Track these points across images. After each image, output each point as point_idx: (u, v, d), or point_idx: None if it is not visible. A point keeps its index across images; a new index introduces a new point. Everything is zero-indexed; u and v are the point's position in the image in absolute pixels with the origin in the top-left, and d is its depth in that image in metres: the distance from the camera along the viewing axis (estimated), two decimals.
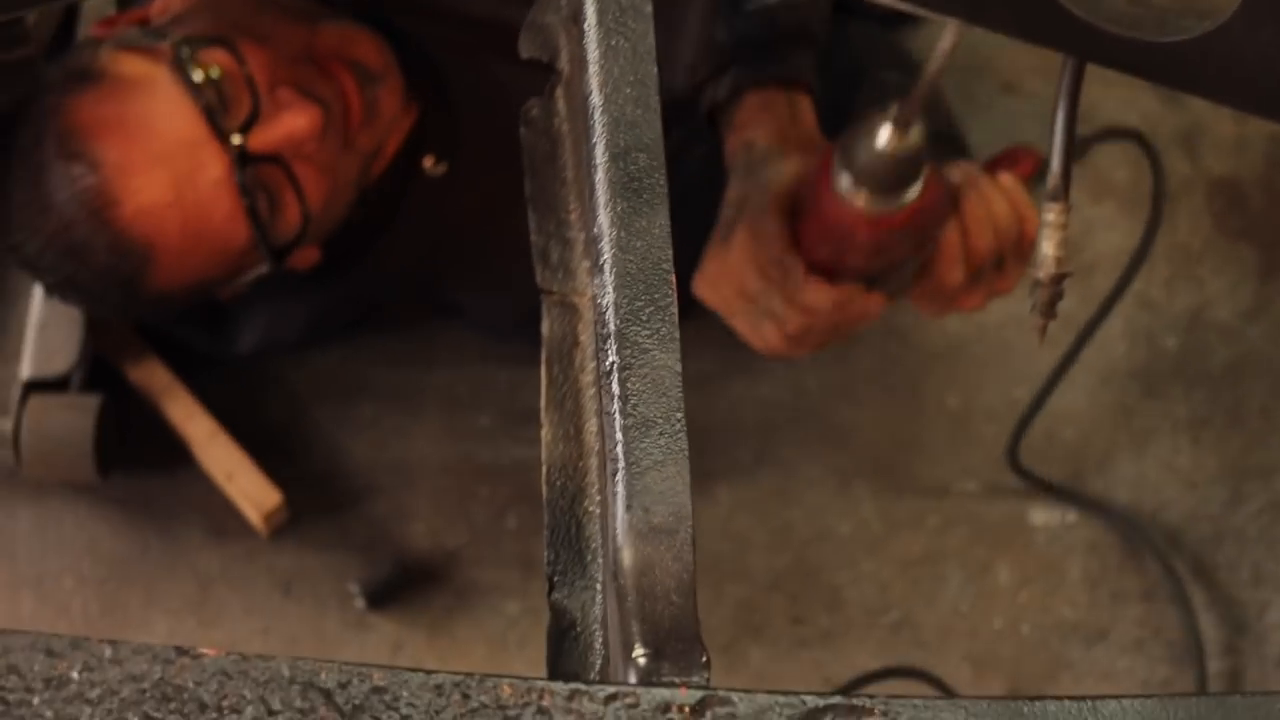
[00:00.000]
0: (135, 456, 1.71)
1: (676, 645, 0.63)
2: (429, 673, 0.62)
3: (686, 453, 0.69)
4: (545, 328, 0.95)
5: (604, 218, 0.74)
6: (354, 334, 1.80)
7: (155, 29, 1.48)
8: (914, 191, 1.26)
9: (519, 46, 1.10)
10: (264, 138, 1.42)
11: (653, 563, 0.66)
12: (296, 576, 1.67)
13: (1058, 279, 1.10)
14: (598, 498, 0.92)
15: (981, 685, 1.64)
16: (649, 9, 0.80)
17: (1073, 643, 1.67)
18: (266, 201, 1.44)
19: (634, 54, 0.78)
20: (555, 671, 0.85)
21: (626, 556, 0.66)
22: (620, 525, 0.67)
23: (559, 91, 1.02)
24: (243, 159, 1.41)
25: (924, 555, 1.69)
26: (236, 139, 1.41)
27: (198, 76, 1.40)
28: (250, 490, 1.66)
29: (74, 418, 1.64)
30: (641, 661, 0.62)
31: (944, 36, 1.08)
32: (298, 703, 0.58)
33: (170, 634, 1.64)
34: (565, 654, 0.87)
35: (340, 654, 1.62)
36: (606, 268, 0.72)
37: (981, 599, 1.69)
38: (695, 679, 0.61)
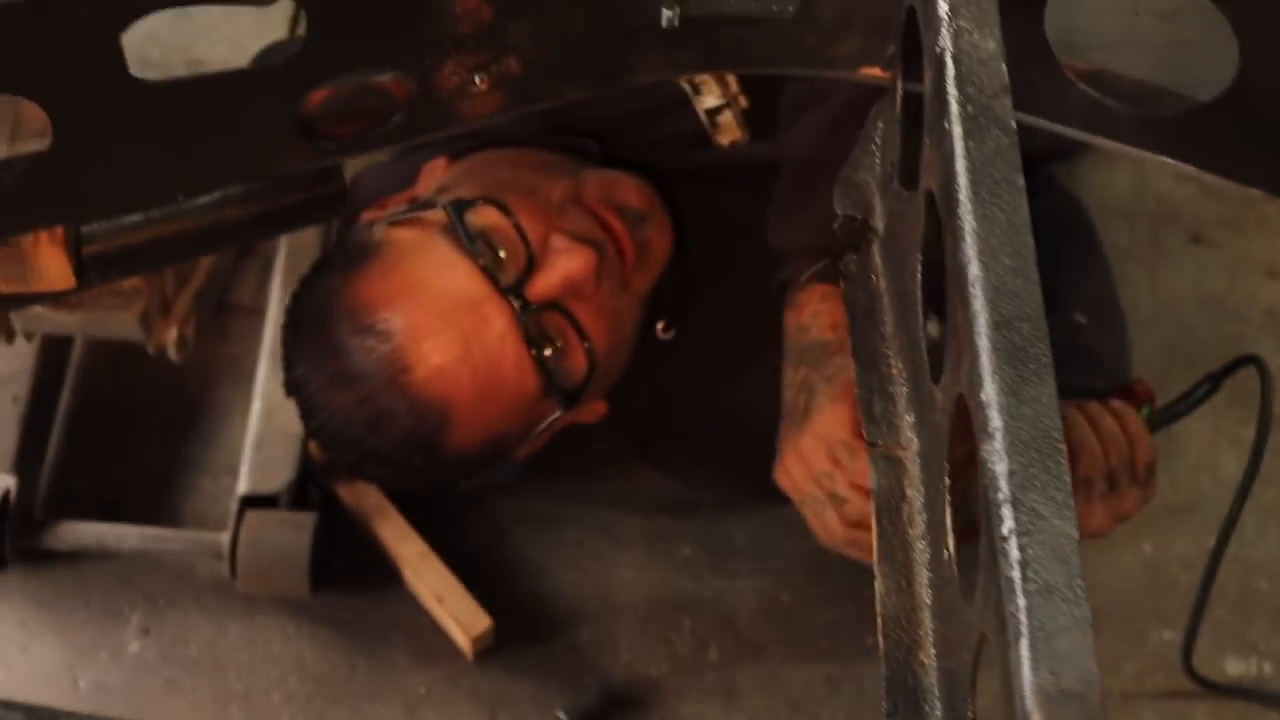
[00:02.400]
0: (342, 575, 1.74)
1: None
2: None
3: (1090, 620, 0.71)
4: (873, 481, 0.97)
5: (991, 385, 0.76)
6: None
7: (424, 202, 1.53)
8: None
9: (834, 201, 1.13)
10: (542, 286, 1.46)
11: None
12: (502, 701, 1.69)
13: None
14: (933, 651, 0.94)
15: None
16: (1021, 182, 0.82)
17: None
18: (552, 348, 1.47)
19: (1010, 226, 0.80)
20: None
21: None
22: (1028, 689, 0.68)
23: (875, 248, 1.06)
24: (524, 308, 1.45)
25: (1123, 695, 1.69)
26: (515, 291, 1.45)
27: (471, 236, 1.45)
28: (460, 613, 1.69)
29: (290, 533, 1.68)
30: None
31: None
32: None
33: None
34: None
35: None
36: (998, 435, 0.74)
37: None
38: None
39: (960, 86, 0.86)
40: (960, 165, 0.84)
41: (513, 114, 1.03)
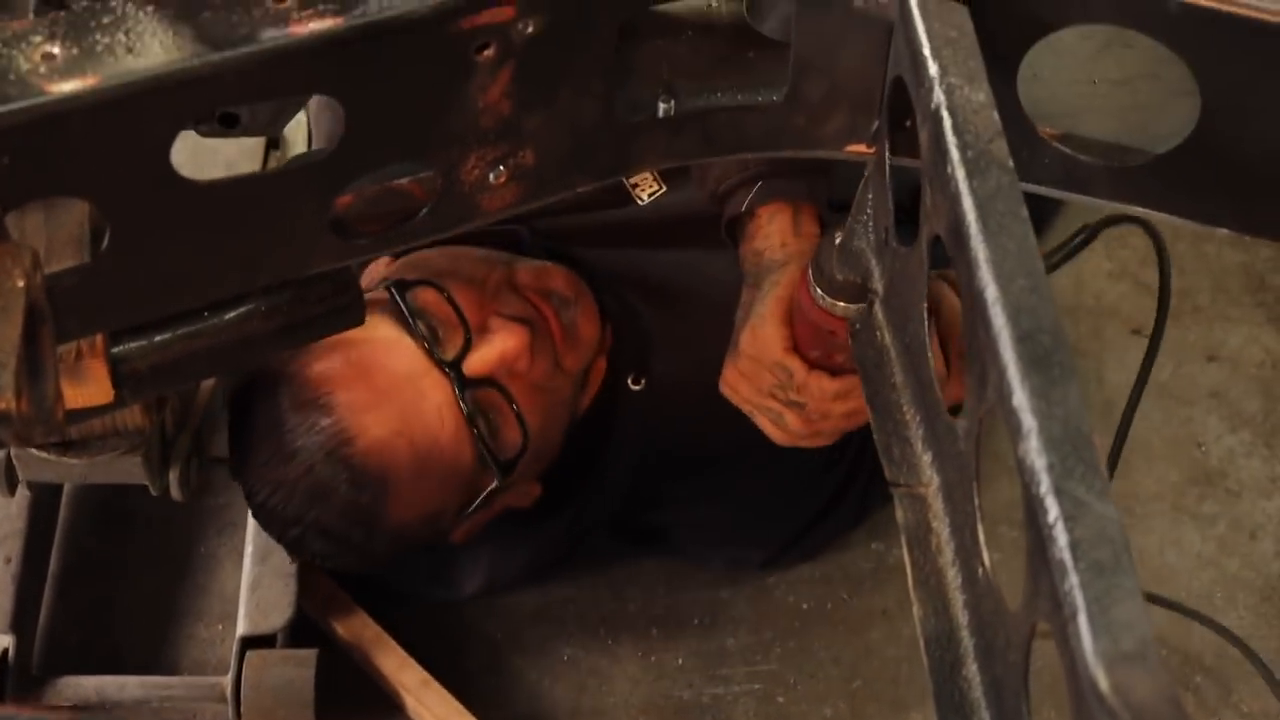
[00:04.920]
0: (344, 710, 1.76)
1: None
2: None
3: (1139, 591, 0.76)
4: (900, 516, 1.03)
5: (1021, 392, 0.81)
6: (566, 571, 1.88)
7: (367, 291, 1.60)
8: None
9: (835, 266, 1.20)
10: (479, 362, 1.54)
11: (1132, 684, 0.72)
12: None
13: None
14: (974, 665, 0.99)
15: None
16: (1024, 213, 0.89)
17: None
18: (487, 422, 1.55)
19: (1019, 251, 0.87)
20: None
21: (1104, 683, 0.72)
22: (1090, 657, 0.73)
23: (877, 307, 1.12)
24: (461, 383, 1.53)
25: None
26: (454, 367, 1.52)
27: (412, 314, 1.53)
28: None
29: (293, 670, 1.69)
30: None
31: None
32: None
33: None
34: None
35: None
36: (1033, 435, 0.80)
37: None
38: None
39: (959, 134, 0.94)
40: (967, 203, 0.91)
41: (528, 205, 1.10)
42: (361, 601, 1.82)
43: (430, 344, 1.53)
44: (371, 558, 1.62)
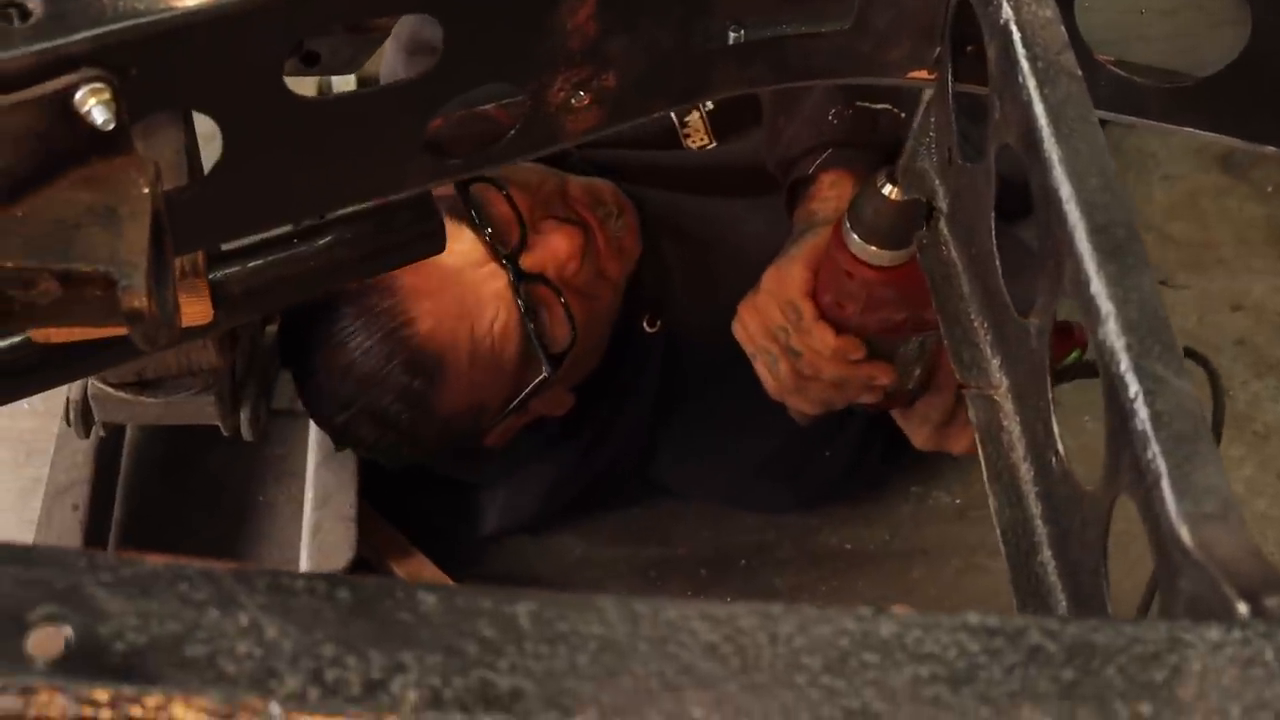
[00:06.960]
0: None
1: (1275, 593, 0.73)
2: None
3: (1219, 457, 0.81)
4: (972, 415, 1.07)
5: (1098, 280, 0.86)
6: (582, 514, 1.94)
7: None
8: (905, 253, 1.38)
9: (901, 186, 1.25)
10: (534, 259, 1.61)
11: (1216, 540, 0.77)
12: None
13: None
14: (1048, 552, 1.04)
15: None
16: (1094, 118, 0.94)
17: None
18: (538, 316, 1.60)
19: (1091, 152, 0.92)
20: None
21: (1189, 540, 0.77)
22: (1175, 518, 0.78)
23: (941, 224, 1.17)
24: (519, 275, 1.59)
25: None
26: (511, 260, 1.59)
27: (474, 208, 1.59)
28: None
29: None
30: (1245, 613, 0.72)
31: (923, 98, 1.22)
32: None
33: None
34: None
35: None
36: (1111, 319, 0.84)
37: None
38: None
39: (1028, 47, 0.98)
40: (1039, 109, 0.96)
41: (608, 129, 1.14)
42: (417, 544, 1.88)
43: (492, 239, 1.59)
44: (416, 446, 1.68)
